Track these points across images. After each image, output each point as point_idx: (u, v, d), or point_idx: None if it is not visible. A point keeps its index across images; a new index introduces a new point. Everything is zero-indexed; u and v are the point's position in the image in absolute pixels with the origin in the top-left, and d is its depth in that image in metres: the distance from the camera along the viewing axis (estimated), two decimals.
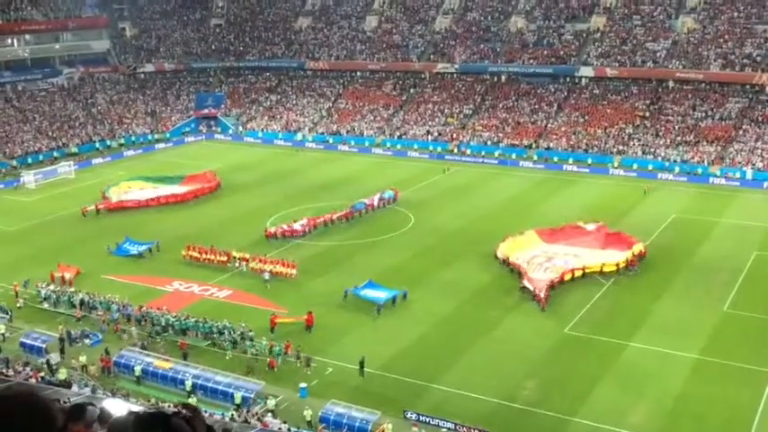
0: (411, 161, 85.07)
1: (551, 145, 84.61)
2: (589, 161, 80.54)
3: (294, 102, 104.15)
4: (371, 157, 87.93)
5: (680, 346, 40.21)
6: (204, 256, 53.37)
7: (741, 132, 79.65)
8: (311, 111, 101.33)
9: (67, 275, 50.56)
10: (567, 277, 48.41)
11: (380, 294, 46.01)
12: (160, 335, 43.13)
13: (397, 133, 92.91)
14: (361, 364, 38.20)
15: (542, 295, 44.89)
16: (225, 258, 52.73)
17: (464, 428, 33.29)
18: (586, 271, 49.27)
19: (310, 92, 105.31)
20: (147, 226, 61.60)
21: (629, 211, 63.81)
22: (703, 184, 72.87)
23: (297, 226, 58.68)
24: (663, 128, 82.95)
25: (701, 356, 39.14)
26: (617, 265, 49.92)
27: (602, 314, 44.42)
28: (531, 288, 46.00)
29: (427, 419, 34.16)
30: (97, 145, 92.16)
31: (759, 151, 76.43)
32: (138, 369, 38.88)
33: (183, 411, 2.83)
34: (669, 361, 38.95)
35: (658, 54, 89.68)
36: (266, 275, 50.05)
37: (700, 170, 75.82)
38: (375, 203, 64.32)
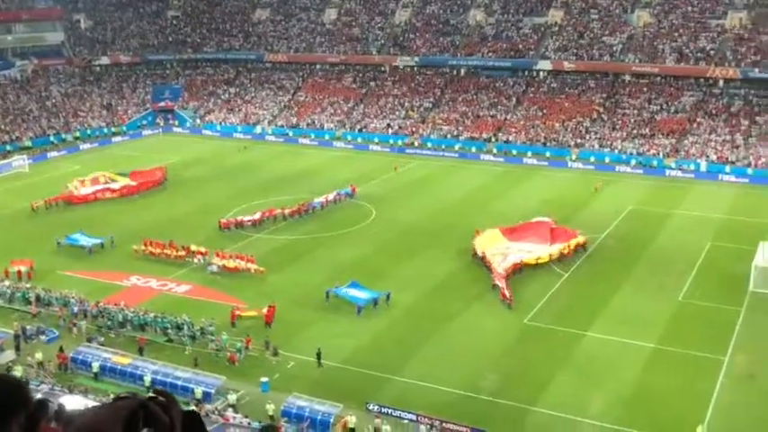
0: (372, 155, 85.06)
1: (510, 138, 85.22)
2: (547, 154, 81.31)
3: (253, 94, 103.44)
4: (332, 150, 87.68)
5: (637, 335, 40.87)
6: (160, 250, 52.76)
7: (695, 125, 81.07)
8: (270, 103, 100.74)
9: (23, 269, 49.75)
10: (509, 272, 48.37)
11: (362, 295, 45.10)
12: (113, 329, 42.55)
13: (358, 126, 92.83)
14: (318, 356, 38.31)
15: (507, 293, 44.85)
16: (183, 253, 52.22)
17: (426, 419, 33.45)
18: (524, 263, 49.57)
19: (269, 84, 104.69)
20: (102, 221, 60.68)
21: (587, 203, 64.60)
22: (659, 177, 74.03)
23: (249, 218, 59.03)
24: (619, 121, 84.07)
25: (658, 345, 39.81)
26: (550, 256, 50.49)
27: (560, 305, 44.94)
28: (501, 286, 45.82)
29: (389, 411, 34.25)
30: (52, 138, 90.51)
31: (713, 144, 77.87)
32: (95, 365, 38.36)
33: (159, 398, 2.78)
34: (627, 350, 39.57)
35: (615, 48, 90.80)
36: (214, 268, 49.92)
37: (655, 163, 77.03)
38: (330, 199, 63.88)
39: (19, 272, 49.43)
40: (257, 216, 59.18)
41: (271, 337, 40.56)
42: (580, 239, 53.06)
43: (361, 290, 45.95)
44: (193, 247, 52.50)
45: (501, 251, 51.25)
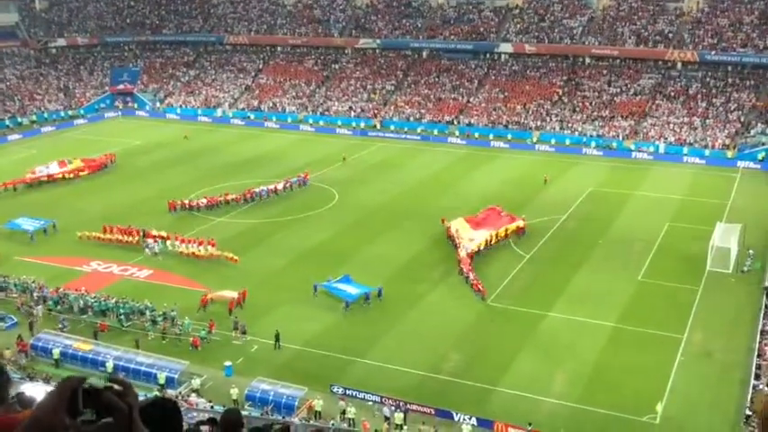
0: (334, 138, 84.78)
1: (472, 121, 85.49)
2: (509, 137, 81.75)
3: (213, 77, 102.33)
4: (295, 133, 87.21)
5: (597, 315, 41.47)
6: (114, 236, 52.19)
7: (654, 107, 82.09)
8: (231, 86, 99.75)
9: None
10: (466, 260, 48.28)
11: (353, 291, 43.70)
12: (62, 312, 42.17)
13: (320, 109, 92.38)
14: (277, 338, 38.40)
15: (481, 287, 44.17)
16: (136, 239, 51.60)
17: (390, 401, 33.64)
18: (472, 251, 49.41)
19: (230, 67, 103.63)
20: (59, 205, 59.80)
21: (548, 185, 65.12)
22: (618, 158, 74.87)
23: (196, 202, 59.23)
24: (579, 103, 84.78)
25: (618, 325, 40.45)
26: (487, 241, 50.48)
27: (522, 286, 45.39)
28: (473, 278, 45.52)
29: (353, 393, 34.40)
30: (7, 122, 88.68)
31: (671, 126, 78.95)
32: (56, 352, 37.90)
33: (115, 386, 2.76)
34: (587, 330, 40.13)
35: (575, 31, 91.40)
36: (156, 248, 50.01)
37: (615, 144, 77.89)
38: (279, 188, 62.67)
39: None
40: (203, 201, 59.24)
41: (238, 319, 40.48)
42: (520, 224, 53.45)
43: (351, 285, 44.35)
44: (154, 232, 52.03)
45: (468, 239, 51.13)
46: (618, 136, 79.05)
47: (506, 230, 52.39)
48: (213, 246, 50.04)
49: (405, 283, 45.63)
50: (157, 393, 33.02)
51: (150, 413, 3.19)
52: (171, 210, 58.24)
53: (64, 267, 48.53)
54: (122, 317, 41.42)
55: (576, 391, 34.54)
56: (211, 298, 42.70)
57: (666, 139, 77.27)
